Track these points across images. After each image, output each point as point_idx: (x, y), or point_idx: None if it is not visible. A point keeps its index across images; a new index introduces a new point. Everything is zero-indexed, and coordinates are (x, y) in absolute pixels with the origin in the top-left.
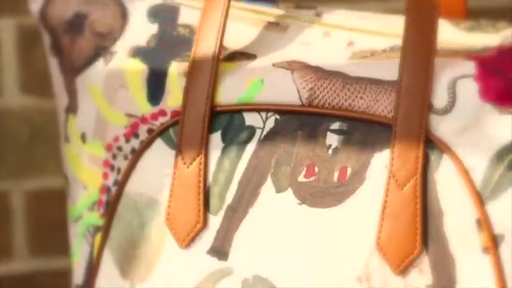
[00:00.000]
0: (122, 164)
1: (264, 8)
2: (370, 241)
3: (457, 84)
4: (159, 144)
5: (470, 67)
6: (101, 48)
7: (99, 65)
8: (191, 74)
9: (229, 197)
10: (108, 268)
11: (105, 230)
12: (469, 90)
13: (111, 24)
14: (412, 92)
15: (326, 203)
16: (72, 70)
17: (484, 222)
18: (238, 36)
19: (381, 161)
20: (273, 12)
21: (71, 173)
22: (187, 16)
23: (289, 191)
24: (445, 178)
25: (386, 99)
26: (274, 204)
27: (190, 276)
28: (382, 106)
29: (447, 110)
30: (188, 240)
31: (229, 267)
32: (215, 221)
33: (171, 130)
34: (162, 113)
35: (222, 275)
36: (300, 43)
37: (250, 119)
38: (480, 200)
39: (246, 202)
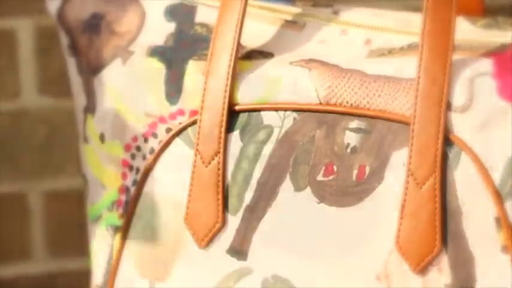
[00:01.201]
0: (141, 164)
1: (280, 6)
2: (389, 240)
3: (475, 82)
4: (177, 143)
5: (488, 65)
6: (119, 48)
7: (117, 65)
8: (209, 73)
9: (248, 197)
10: (127, 268)
11: (125, 230)
12: (487, 88)
13: (128, 24)
14: (430, 90)
15: (345, 202)
16: (90, 70)
17: (503, 221)
18: (256, 35)
19: (399, 160)
20: (290, 10)
21: (90, 174)
22: (205, 15)
23: (308, 190)
24: (464, 176)
25: (404, 97)
26: (293, 204)
27: (209, 276)
28: (400, 104)
29: (465, 108)
30: (207, 240)
31: (249, 266)
32: (234, 221)
33: (189, 129)
34: (180, 112)
35: (241, 274)
36: (317, 41)
37: (268, 118)
38: (499, 198)
39: (264, 202)
